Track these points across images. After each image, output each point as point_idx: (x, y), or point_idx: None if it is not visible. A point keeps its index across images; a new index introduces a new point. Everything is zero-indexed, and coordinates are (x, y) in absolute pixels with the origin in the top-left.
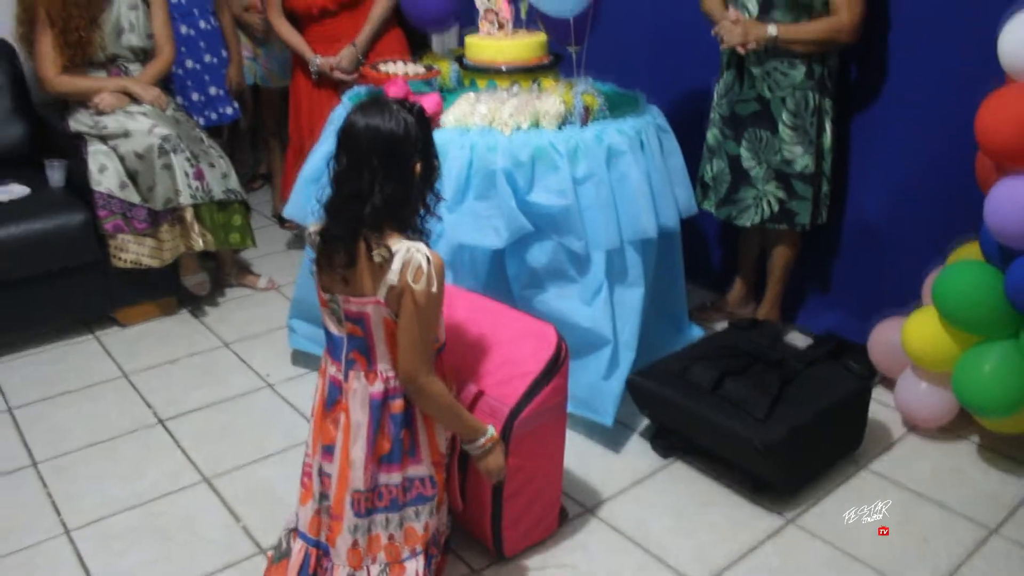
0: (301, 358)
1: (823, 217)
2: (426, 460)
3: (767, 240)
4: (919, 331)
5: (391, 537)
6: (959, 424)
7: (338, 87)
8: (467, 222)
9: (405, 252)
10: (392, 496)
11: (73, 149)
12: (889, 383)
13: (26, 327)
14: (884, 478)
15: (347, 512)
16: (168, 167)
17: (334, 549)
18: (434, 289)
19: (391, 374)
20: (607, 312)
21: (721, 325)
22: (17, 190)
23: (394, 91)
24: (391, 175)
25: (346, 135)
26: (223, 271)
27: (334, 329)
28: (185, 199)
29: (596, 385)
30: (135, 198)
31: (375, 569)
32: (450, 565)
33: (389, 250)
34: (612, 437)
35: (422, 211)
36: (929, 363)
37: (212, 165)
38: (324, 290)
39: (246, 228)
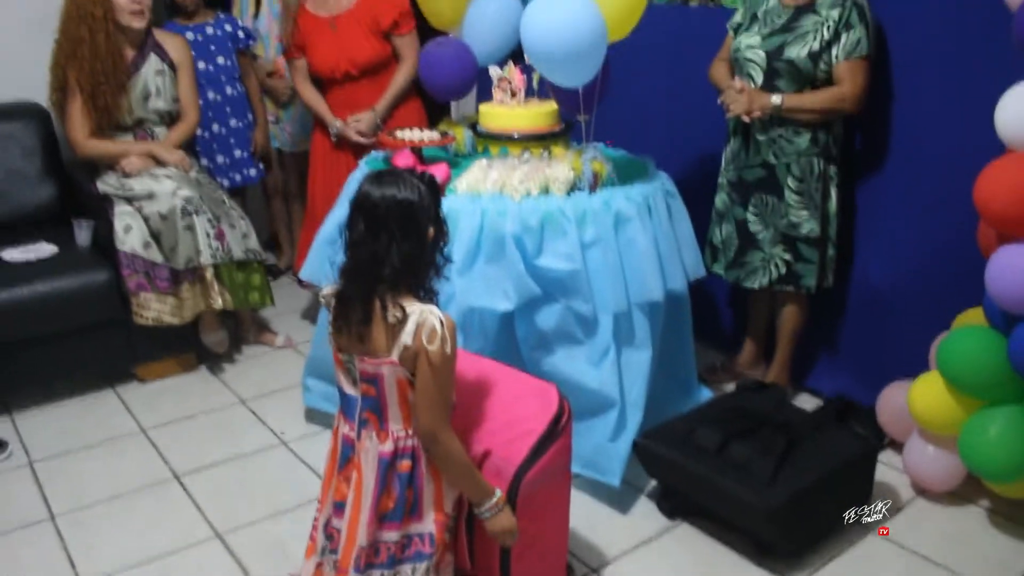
0: (315, 416)
1: (829, 280)
2: (428, 518)
3: (776, 303)
4: (925, 395)
5: None
6: (969, 488)
7: (356, 151)
8: (477, 285)
9: (419, 314)
10: (390, 553)
11: (100, 210)
12: (898, 446)
13: (50, 382)
14: (891, 542)
15: (351, 568)
16: (190, 228)
17: None
18: (448, 350)
19: (401, 434)
20: (614, 374)
21: (731, 387)
22: (45, 249)
23: (402, 161)
24: (408, 239)
25: (362, 204)
26: (242, 329)
27: (348, 389)
28: (206, 259)
29: (603, 446)
30: (158, 258)
31: None
32: None
33: (403, 311)
34: (619, 498)
35: (433, 273)
36: (935, 427)
37: (232, 226)
38: (340, 351)
39: (265, 287)
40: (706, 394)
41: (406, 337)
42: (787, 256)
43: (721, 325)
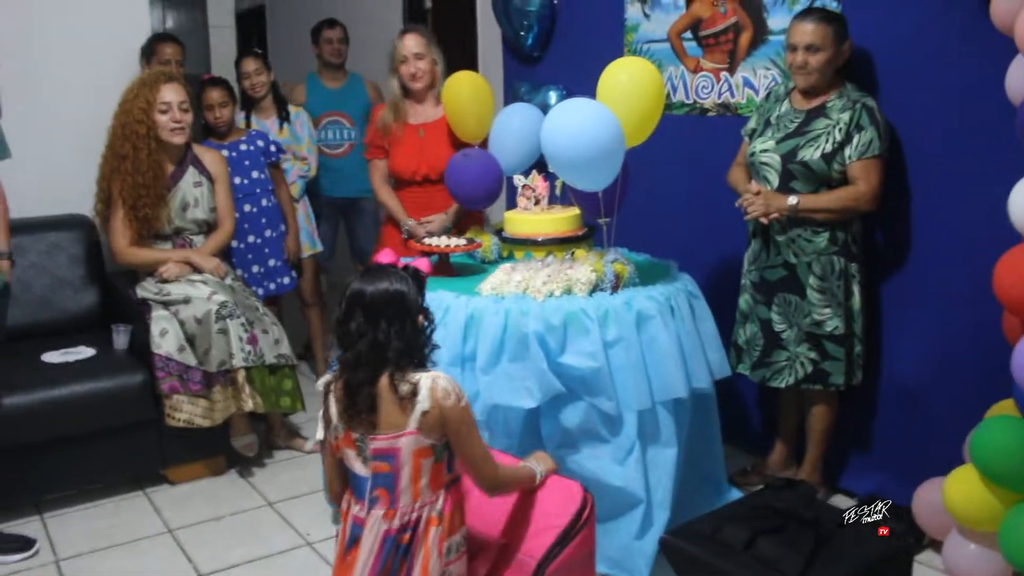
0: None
1: (858, 377)
2: None
3: (805, 402)
4: (960, 489)
5: None
6: None
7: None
8: (502, 383)
9: (428, 380)
10: None
11: (138, 315)
12: (938, 546)
13: (81, 482)
14: None
15: None
16: (224, 332)
17: None
18: (463, 403)
19: (408, 508)
20: (639, 472)
21: None
22: (84, 352)
23: (385, 258)
24: (403, 324)
25: (357, 299)
26: (272, 433)
27: (359, 469)
28: (238, 362)
29: (629, 545)
30: (192, 361)
31: None
32: None
33: (412, 383)
34: None
35: (428, 355)
36: (973, 522)
37: (265, 331)
38: (352, 431)
39: (296, 392)
40: (736, 495)
41: (422, 404)
42: (812, 355)
43: (751, 427)
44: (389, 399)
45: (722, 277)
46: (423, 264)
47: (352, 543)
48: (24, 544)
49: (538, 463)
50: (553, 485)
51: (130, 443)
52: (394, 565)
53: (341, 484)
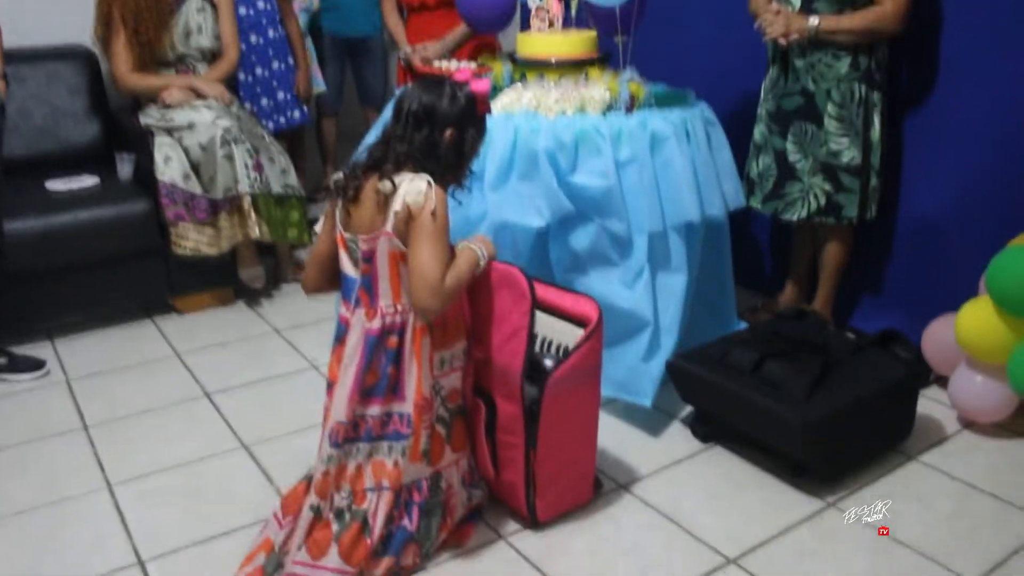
0: None
1: (872, 212)
2: (409, 399)
3: (818, 238)
4: (973, 320)
5: (358, 467)
6: (1019, 423)
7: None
8: (510, 201)
9: (408, 181)
10: (368, 427)
11: (142, 144)
12: (944, 383)
13: (89, 308)
14: (934, 469)
15: (324, 442)
16: (229, 157)
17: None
18: (433, 207)
19: (390, 310)
20: (648, 295)
21: None
22: (88, 180)
23: (459, 77)
24: (419, 132)
25: (396, 102)
26: (279, 267)
27: (350, 271)
28: (244, 188)
29: (635, 367)
30: (197, 189)
31: (339, 497)
32: (480, 532)
33: (394, 183)
34: (652, 423)
35: (447, 172)
36: (984, 353)
37: (272, 160)
38: (346, 229)
39: (302, 224)
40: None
41: (396, 203)
42: (827, 186)
43: (762, 269)
44: (373, 198)
45: (741, 112)
46: (482, 84)
47: (338, 340)
48: (35, 364)
49: (481, 246)
50: (499, 279)
51: (137, 272)
52: (383, 369)
53: (318, 274)
